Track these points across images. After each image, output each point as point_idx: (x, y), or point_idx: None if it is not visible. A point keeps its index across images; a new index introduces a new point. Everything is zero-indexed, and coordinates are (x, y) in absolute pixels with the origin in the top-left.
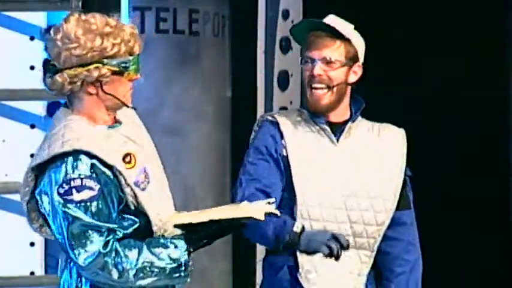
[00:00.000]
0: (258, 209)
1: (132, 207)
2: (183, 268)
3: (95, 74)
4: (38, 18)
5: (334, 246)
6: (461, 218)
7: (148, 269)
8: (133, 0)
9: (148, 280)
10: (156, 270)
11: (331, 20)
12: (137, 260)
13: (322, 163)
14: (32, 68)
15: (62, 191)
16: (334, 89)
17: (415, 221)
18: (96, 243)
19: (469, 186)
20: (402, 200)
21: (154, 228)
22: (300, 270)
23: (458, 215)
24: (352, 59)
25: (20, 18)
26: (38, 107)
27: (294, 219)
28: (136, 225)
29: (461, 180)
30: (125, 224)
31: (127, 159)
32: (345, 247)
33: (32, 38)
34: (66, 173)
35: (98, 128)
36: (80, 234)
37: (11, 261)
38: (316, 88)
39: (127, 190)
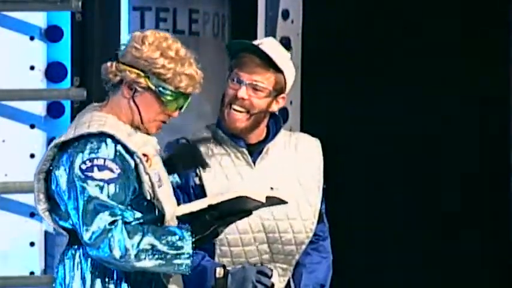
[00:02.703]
0: (258, 191)
1: (148, 197)
2: (185, 256)
3: (132, 76)
4: (38, 19)
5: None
6: (462, 217)
7: (150, 251)
8: (133, 0)
9: (149, 263)
10: (157, 254)
11: (270, 45)
12: (140, 241)
13: (239, 188)
14: (32, 68)
15: (84, 167)
16: (253, 116)
17: (328, 232)
18: (104, 220)
19: (470, 186)
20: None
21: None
22: None
23: (459, 214)
24: (279, 90)
25: (20, 18)
26: (38, 107)
27: (214, 245)
28: (148, 218)
29: (462, 180)
30: (137, 214)
31: (145, 158)
32: (270, 277)
33: (32, 38)
34: (91, 152)
35: (123, 124)
36: (92, 210)
37: (10, 261)
38: (235, 110)
39: (145, 178)
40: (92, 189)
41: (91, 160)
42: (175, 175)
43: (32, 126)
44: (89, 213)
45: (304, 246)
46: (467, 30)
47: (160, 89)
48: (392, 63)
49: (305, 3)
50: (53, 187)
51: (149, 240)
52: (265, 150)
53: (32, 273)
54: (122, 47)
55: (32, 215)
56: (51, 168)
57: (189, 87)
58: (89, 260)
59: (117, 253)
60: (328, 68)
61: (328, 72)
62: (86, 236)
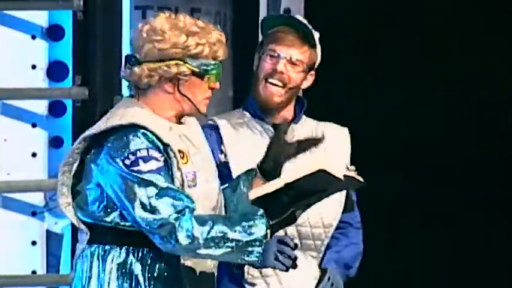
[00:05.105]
0: (335, 166)
1: None
2: (257, 244)
3: (174, 70)
4: (40, 17)
5: (286, 261)
6: (463, 217)
7: (220, 239)
8: None
9: (218, 251)
10: (228, 242)
11: (305, 21)
12: (210, 229)
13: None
14: (34, 67)
15: (128, 162)
16: (289, 90)
17: (361, 223)
18: (167, 208)
19: (472, 187)
20: (346, 202)
21: None
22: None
23: (461, 214)
24: (311, 66)
25: (21, 17)
26: (40, 106)
27: None
28: None
29: (463, 180)
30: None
31: (180, 155)
32: (293, 248)
33: (33, 37)
34: (129, 145)
35: (160, 119)
36: (148, 200)
37: (12, 260)
38: (272, 84)
39: (177, 174)
40: (144, 180)
41: (133, 153)
42: None
43: (34, 125)
44: (149, 204)
45: (332, 230)
46: (468, 29)
47: (204, 67)
48: (395, 62)
49: (306, 2)
50: (89, 179)
51: (220, 228)
52: (289, 131)
53: (33, 272)
54: (137, 45)
55: (34, 214)
56: (76, 160)
57: (224, 51)
58: (107, 261)
59: (184, 241)
60: (330, 66)
61: (330, 71)
62: (149, 225)
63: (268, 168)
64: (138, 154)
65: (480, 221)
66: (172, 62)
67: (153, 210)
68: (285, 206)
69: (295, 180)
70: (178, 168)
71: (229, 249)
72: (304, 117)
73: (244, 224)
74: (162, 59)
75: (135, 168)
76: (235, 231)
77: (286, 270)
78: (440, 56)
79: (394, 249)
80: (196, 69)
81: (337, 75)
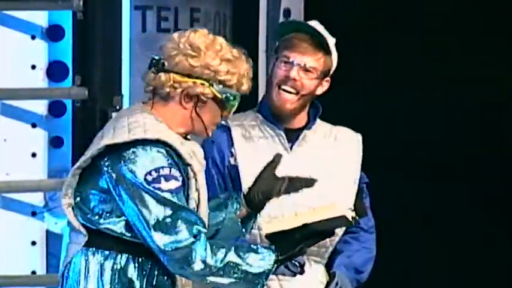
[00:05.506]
0: (346, 210)
1: None
2: (264, 277)
3: (198, 89)
4: (40, 18)
5: (294, 268)
6: (463, 218)
7: (231, 269)
8: None
9: (227, 280)
10: (238, 272)
11: (320, 28)
12: (224, 258)
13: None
14: (34, 67)
15: (150, 178)
16: (302, 97)
17: (374, 228)
18: (184, 231)
19: (472, 187)
20: (358, 207)
21: None
22: None
23: (461, 216)
24: (326, 73)
25: (21, 17)
26: (40, 107)
27: None
28: None
29: (463, 182)
30: None
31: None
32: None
33: (33, 37)
34: (153, 161)
35: (173, 134)
36: (164, 220)
37: (12, 260)
38: (285, 90)
39: (194, 195)
40: (164, 200)
41: (157, 170)
42: None
43: (34, 126)
44: (162, 222)
45: (337, 238)
46: (468, 29)
47: (227, 95)
48: (395, 62)
49: (306, 3)
50: (94, 184)
51: (233, 258)
52: (302, 136)
53: (33, 272)
54: (169, 54)
55: (34, 214)
56: (91, 165)
57: (249, 86)
58: (106, 266)
59: (197, 266)
60: None
61: None
62: (162, 245)
63: (256, 201)
64: (161, 172)
65: (480, 221)
66: (199, 81)
67: (168, 230)
68: (296, 242)
69: (314, 222)
70: (196, 189)
71: (236, 280)
72: (318, 121)
73: (255, 256)
74: (190, 74)
75: (156, 186)
76: (247, 263)
77: (294, 275)
78: (440, 56)
79: (394, 249)
80: (218, 95)
81: (337, 75)
